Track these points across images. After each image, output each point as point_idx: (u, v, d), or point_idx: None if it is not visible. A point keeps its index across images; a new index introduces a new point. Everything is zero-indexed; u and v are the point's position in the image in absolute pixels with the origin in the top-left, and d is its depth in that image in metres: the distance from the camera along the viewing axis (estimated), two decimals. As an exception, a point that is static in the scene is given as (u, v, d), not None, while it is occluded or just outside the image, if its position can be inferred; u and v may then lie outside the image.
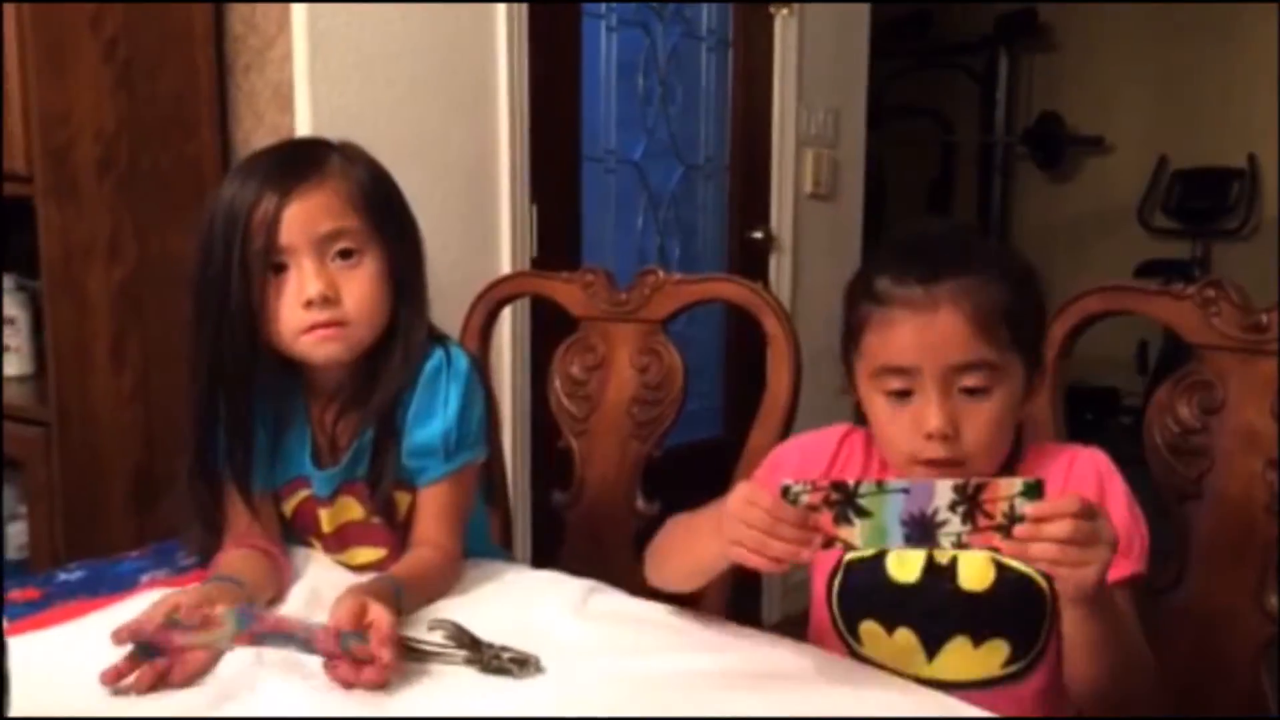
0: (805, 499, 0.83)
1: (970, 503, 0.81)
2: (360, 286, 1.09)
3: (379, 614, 0.90)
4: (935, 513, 0.82)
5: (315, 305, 1.06)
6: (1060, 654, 0.98)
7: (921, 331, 0.95)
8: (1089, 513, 0.81)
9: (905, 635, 1.00)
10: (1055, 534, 0.80)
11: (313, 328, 1.08)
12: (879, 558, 1.01)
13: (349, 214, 1.09)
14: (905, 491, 0.82)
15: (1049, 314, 1.10)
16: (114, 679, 0.89)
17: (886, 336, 0.97)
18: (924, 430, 0.95)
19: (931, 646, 0.99)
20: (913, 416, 0.96)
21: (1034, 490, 0.81)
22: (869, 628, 1.02)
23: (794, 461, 1.10)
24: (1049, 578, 0.96)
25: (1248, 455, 1.10)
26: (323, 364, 1.11)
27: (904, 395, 0.97)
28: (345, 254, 1.08)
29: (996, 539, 0.82)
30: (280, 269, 1.07)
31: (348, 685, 0.88)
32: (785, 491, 0.84)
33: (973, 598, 0.98)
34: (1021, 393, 0.99)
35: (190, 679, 0.90)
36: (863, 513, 0.83)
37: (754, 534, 0.85)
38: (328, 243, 1.07)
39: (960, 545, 0.82)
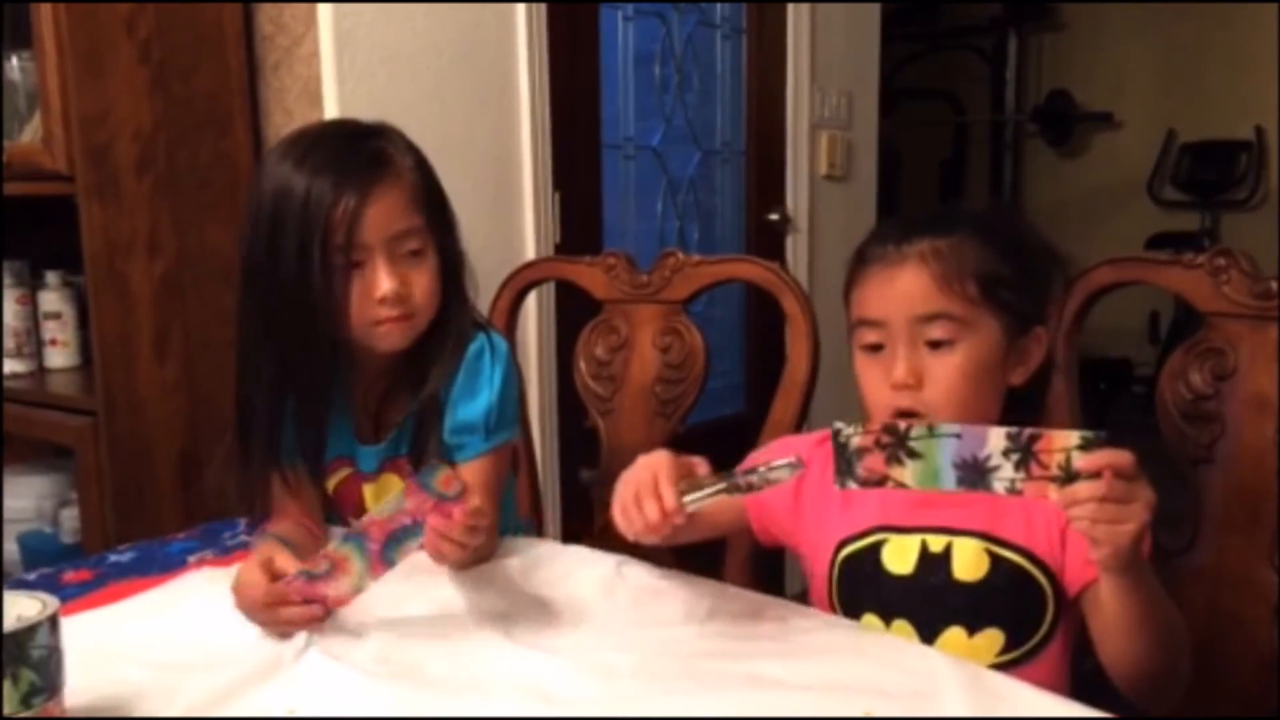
0: (856, 441, 0.85)
1: (1024, 451, 0.82)
2: (425, 280, 1.13)
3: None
4: (988, 458, 0.82)
5: (389, 301, 1.10)
6: (1064, 647, 0.99)
7: (889, 285, 0.99)
8: (1130, 472, 0.82)
9: (901, 626, 1.01)
10: (1090, 493, 0.81)
11: (383, 321, 1.11)
12: (875, 551, 1.02)
13: (415, 212, 1.12)
14: (957, 436, 0.83)
15: (1056, 286, 1.10)
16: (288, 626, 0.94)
17: (861, 292, 1.02)
18: (891, 380, 0.99)
19: (927, 637, 0.99)
20: (883, 368, 1.00)
21: (1092, 444, 0.81)
22: (868, 620, 1.02)
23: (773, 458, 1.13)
24: (1044, 569, 0.98)
25: (1259, 420, 1.10)
26: (385, 351, 1.15)
27: (876, 349, 1.01)
28: (413, 253, 1.12)
29: (1051, 490, 0.82)
30: (355, 264, 1.10)
31: (443, 550, 0.96)
32: (836, 434, 0.86)
33: (967, 588, 0.99)
34: (999, 354, 1.00)
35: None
36: (914, 454, 0.84)
37: (630, 492, 0.90)
38: (398, 241, 1.11)
39: (1014, 491, 0.83)
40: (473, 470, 1.18)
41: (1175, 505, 1.04)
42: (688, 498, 0.90)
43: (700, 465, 0.94)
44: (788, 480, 0.90)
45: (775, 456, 1.08)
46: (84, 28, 1.67)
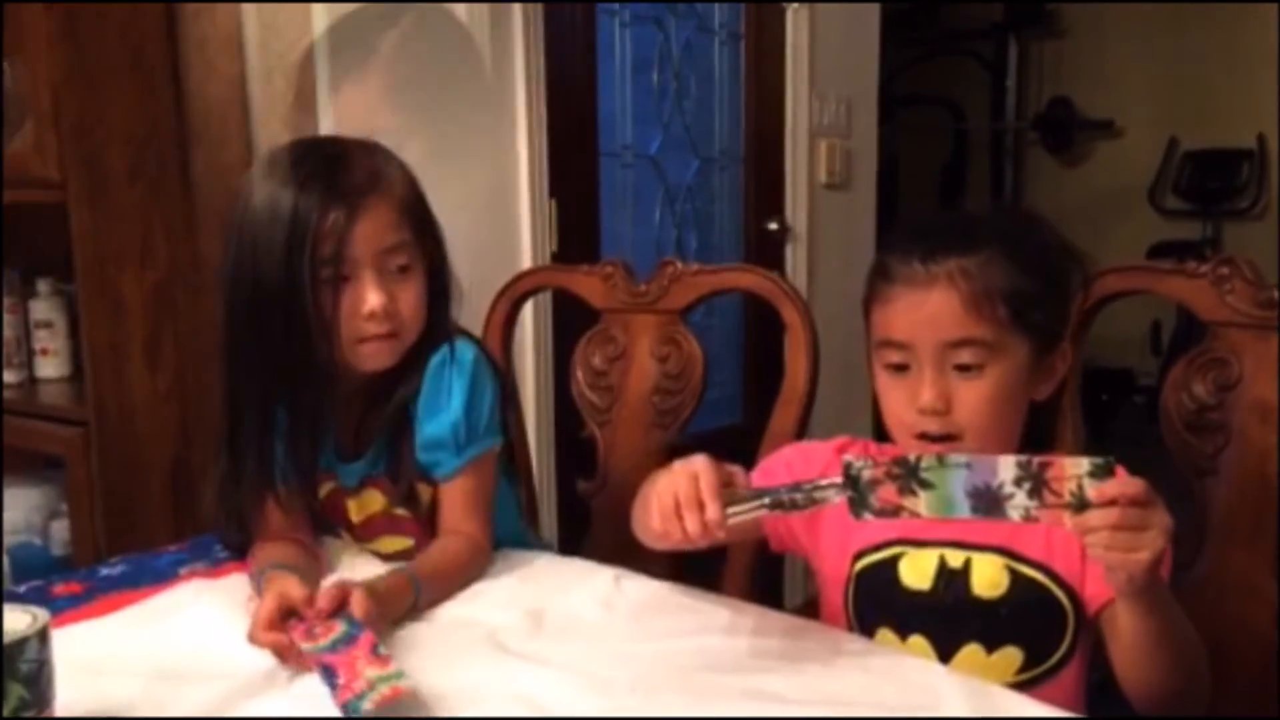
0: (867, 474, 0.84)
1: (1036, 480, 0.81)
2: (412, 296, 1.12)
3: (357, 600, 0.92)
4: (1000, 486, 0.82)
5: (376, 317, 1.09)
6: (1082, 667, 0.98)
7: (916, 308, 0.97)
8: (1146, 499, 0.81)
9: (918, 642, 1.00)
10: (1103, 521, 0.80)
11: (370, 338, 1.10)
12: (892, 565, 1.01)
13: (404, 227, 1.11)
14: (967, 466, 0.83)
15: (1076, 289, 1.09)
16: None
17: (887, 311, 1.00)
18: (917, 405, 0.97)
19: (944, 654, 0.98)
20: (909, 390, 0.98)
21: (1102, 471, 0.81)
22: (884, 635, 1.01)
23: (787, 464, 1.10)
24: (1065, 586, 0.97)
25: (1263, 430, 1.10)
26: (370, 369, 1.13)
27: (901, 369, 0.99)
28: (401, 269, 1.11)
29: (1066, 517, 0.82)
30: (343, 279, 1.08)
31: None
32: (847, 468, 0.85)
33: (986, 604, 0.98)
34: (1026, 373, 0.99)
35: None
36: (926, 484, 0.83)
37: (669, 500, 0.87)
38: (387, 256, 1.09)
39: (1029, 519, 0.82)
40: (452, 487, 1.16)
41: (1178, 517, 1.03)
42: (730, 509, 0.87)
43: (739, 474, 0.92)
44: (835, 502, 0.87)
45: (796, 463, 1.09)
46: (76, 33, 1.66)
